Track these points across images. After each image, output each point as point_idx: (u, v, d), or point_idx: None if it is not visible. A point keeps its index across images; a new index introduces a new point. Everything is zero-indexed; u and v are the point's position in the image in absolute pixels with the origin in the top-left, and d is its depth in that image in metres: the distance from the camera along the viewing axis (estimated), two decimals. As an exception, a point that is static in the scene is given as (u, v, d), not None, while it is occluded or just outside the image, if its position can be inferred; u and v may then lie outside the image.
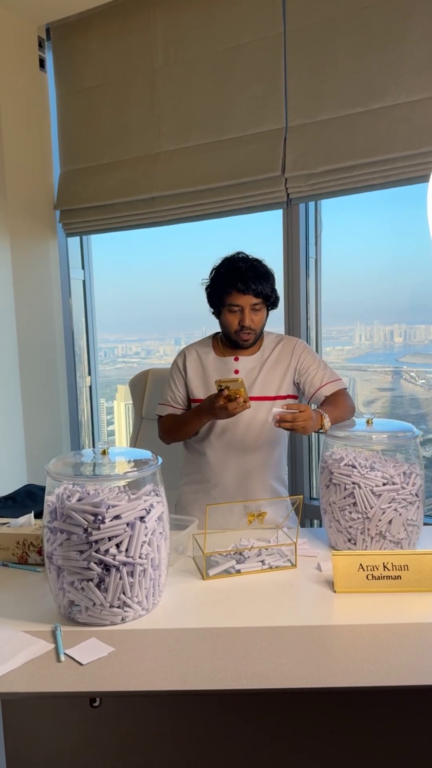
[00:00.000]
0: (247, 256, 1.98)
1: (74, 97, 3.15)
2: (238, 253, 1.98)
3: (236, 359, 2.00)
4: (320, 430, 1.82)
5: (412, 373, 3.18)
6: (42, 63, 3.16)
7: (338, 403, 1.95)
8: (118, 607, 1.31)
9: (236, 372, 1.98)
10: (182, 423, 1.98)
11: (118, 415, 3.88)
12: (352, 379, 3.27)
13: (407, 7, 2.30)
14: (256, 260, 1.97)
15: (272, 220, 2.82)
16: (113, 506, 1.30)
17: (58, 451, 3.35)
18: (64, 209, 3.23)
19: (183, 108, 2.86)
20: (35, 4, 2.97)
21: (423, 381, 3.13)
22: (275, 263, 2.80)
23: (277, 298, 1.98)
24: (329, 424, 1.82)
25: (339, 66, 2.47)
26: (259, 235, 3.08)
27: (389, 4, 2.34)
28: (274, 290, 1.95)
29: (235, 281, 1.89)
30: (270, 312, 2.01)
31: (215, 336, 2.08)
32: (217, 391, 1.76)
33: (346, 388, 2.02)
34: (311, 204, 2.77)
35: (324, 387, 1.98)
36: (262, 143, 2.67)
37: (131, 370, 3.92)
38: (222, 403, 1.73)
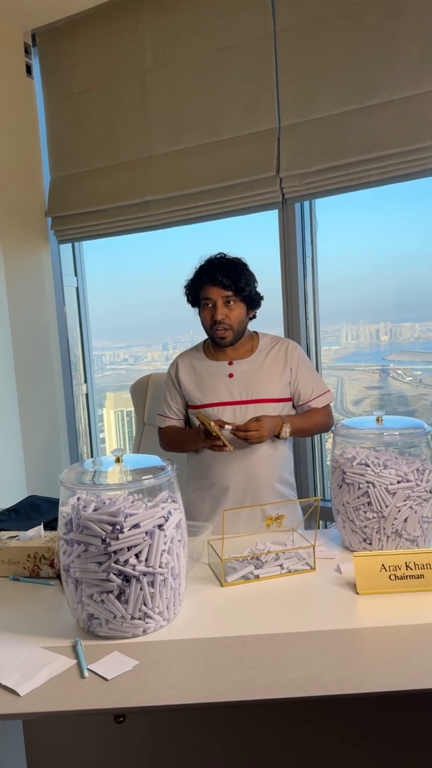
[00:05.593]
0: (225, 255, 1.99)
1: (63, 102, 3.11)
2: (219, 253, 1.99)
3: (230, 363, 1.98)
4: (277, 436, 1.92)
5: (399, 371, 3.17)
6: (29, 69, 3.12)
7: (311, 416, 2.01)
8: (140, 618, 1.28)
9: (230, 376, 1.97)
10: (181, 442, 2.04)
11: (108, 423, 3.83)
12: (340, 379, 3.25)
13: (399, 1, 2.29)
14: (235, 258, 1.98)
15: (267, 221, 2.80)
16: (131, 515, 1.27)
17: (57, 462, 3.30)
18: (56, 216, 3.19)
19: (174, 110, 2.83)
20: (20, 11, 2.93)
21: (410, 378, 3.12)
22: (272, 264, 2.81)
23: (255, 296, 1.96)
24: (287, 434, 1.91)
25: (331, 63, 2.45)
26: (254, 236, 3.06)
27: None
28: (249, 285, 1.93)
29: (203, 274, 1.92)
30: (256, 312, 2.00)
31: (206, 341, 2.07)
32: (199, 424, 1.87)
33: (331, 402, 2.06)
34: (306, 203, 2.75)
35: (311, 401, 2.01)
36: (255, 143, 2.64)
37: (120, 377, 3.87)
38: (203, 438, 1.85)
